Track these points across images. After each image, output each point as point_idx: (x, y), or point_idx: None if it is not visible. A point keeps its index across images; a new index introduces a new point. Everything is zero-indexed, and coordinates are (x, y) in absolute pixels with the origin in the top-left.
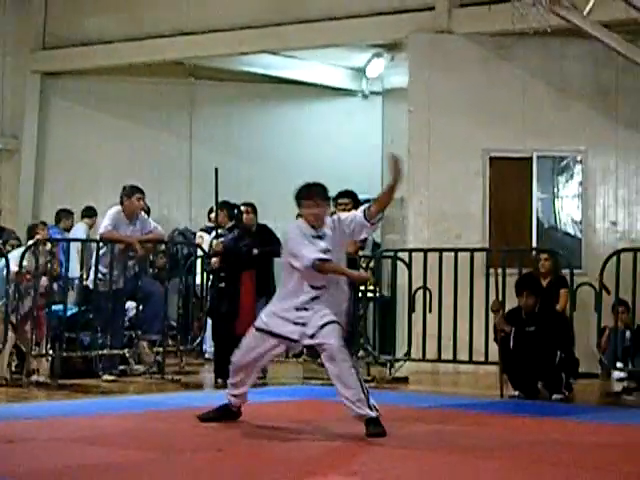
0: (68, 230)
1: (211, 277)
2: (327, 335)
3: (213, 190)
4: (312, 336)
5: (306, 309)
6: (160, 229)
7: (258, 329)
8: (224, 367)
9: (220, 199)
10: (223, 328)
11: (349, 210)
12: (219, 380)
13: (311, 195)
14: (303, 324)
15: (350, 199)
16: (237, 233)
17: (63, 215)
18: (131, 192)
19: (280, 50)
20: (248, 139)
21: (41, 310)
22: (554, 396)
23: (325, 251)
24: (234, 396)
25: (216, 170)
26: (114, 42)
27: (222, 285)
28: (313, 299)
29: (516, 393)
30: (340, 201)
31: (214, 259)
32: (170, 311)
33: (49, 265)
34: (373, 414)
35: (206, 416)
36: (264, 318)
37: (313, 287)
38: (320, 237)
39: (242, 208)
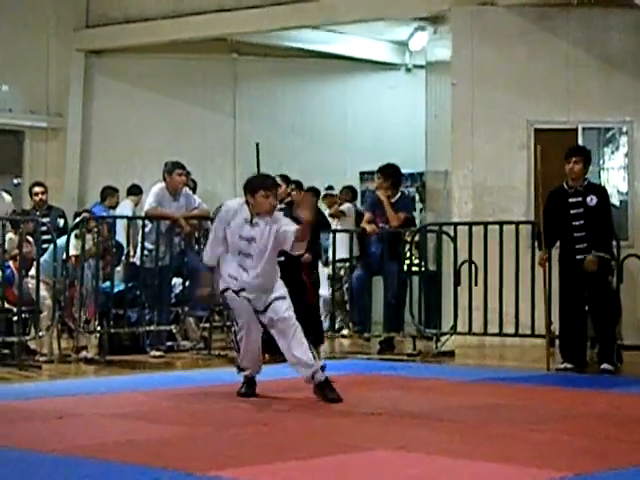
0: (114, 207)
1: None
2: (277, 309)
3: (255, 165)
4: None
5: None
6: (205, 205)
7: None
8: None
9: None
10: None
11: (386, 188)
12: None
13: (271, 185)
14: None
15: (389, 179)
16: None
17: (108, 193)
18: (172, 168)
19: (322, 25)
20: (291, 114)
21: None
22: (603, 365)
23: (250, 239)
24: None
25: (257, 145)
26: (156, 19)
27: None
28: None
29: (563, 366)
30: (378, 177)
31: None
32: (216, 287)
33: (102, 244)
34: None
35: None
36: None
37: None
38: (252, 224)
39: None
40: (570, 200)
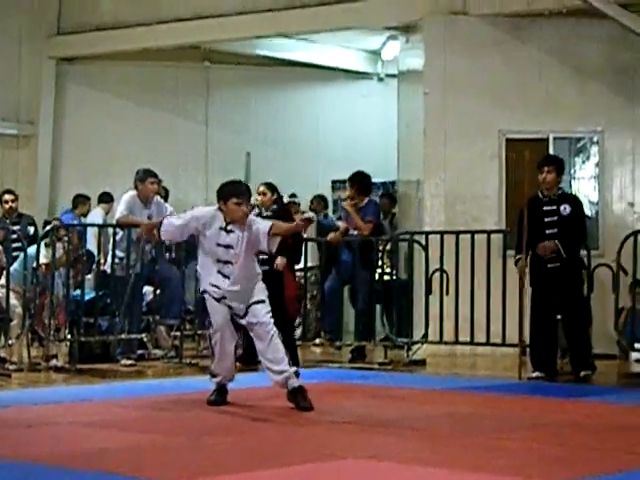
0: (84, 216)
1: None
2: (257, 313)
3: (244, 174)
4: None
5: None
6: (176, 213)
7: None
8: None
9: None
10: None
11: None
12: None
13: (242, 193)
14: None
15: (355, 185)
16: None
17: (79, 201)
18: (144, 176)
19: (295, 33)
20: (263, 123)
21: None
22: (582, 373)
23: (227, 246)
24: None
25: (248, 154)
26: (129, 27)
27: (266, 268)
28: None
29: (534, 375)
30: (348, 185)
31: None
32: (187, 295)
33: (72, 253)
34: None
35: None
36: None
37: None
38: (228, 231)
39: (260, 189)
40: (544, 208)
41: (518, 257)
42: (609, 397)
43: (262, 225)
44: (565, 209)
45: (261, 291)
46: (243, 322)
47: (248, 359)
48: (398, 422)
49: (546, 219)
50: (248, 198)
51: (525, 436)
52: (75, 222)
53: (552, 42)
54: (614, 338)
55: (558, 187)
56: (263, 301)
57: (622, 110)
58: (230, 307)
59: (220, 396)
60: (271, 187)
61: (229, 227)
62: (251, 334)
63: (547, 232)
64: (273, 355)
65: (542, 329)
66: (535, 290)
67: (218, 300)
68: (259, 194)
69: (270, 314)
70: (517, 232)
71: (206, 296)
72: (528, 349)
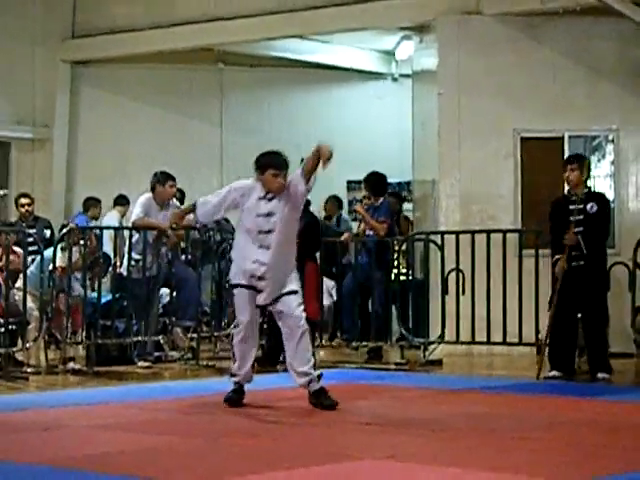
0: (96, 218)
1: None
2: (289, 304)
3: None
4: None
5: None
6: (191, 215)
7: None
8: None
9: None
10: None
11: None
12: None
13: (280, 164)
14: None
15: (369, 185)
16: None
17: (91, 203)
18: (165, 179)
19: (308, 34)
20: (278, 124)
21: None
22: (600, 375)
23: (267, 214)
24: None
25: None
26: (142, 29)
27: None
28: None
29: (552, 374)
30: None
31: None
32: (204, 297)
33: (89, 255)
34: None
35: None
36: None
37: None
38: (268, 199)
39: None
40: (571, 207)
41: (557, 257)
42: (626, 396)
43: (294, 173)
44: (592, 208)
45: (295, 281)
46: (273, 309)
47: (268, 361)
48: (415, 422)
49: (572, 218)
50: (286, 170)
51: (541, 436)
52: (88, 225)
53: (566, 41)
54: (631, 337)
55: (585, 185)
56: (296, 292)
57: (637, 108)
58: (260, 291)
59: (236, 394)
60: None
61: (269, 195)
62: (280, 324)
63: (573, 231)
64: (300, 354)
65: (563, 328)
66: (558, 288)
67: (248, 289)
68: None
69: (302, 307)
70: (551, 232)
71: (236, 291)
72: (545, 348)
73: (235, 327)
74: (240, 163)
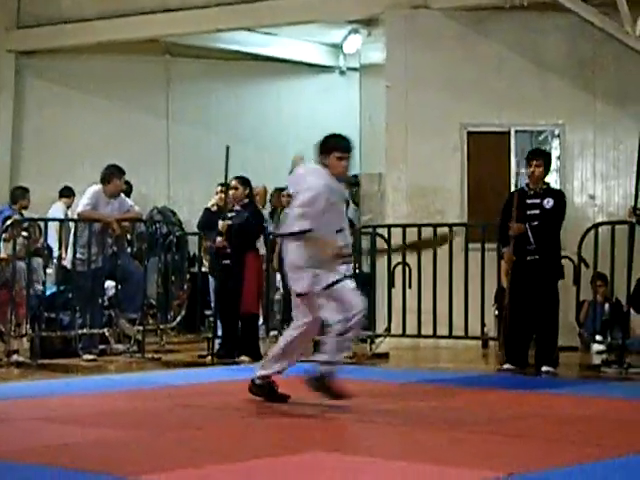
0: (25, 208)
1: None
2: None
3: (224, 168)
4: None
5: None
6: (137, 208)
7: None
8: (230, 345)
9: (198, 177)
10: (226, 306)
11: None
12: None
13: (347, 147)
14: None
15: None
16: (249, 212)
17: (19, 194)
18: (117, 173)
19: (256, 27)
20: (225, 116)
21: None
22: (544, 368)
23: (342, 194)
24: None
25: (227, 148)
26: (89, 20)
27: (227, 262)
28: None
29: (506, 367)
30: None
31: (219, 238)
32: (150, 290)
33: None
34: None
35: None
36: None
37: None
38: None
39: (232, 183)
40: (528, 201)
41: (504, 250)
42: (570, 389)
43: None
44: (548, 203)
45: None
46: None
47: (225, 353)
48: (362, 415)
49: (529, 212)
50: (350, 156)
51: (487, 428)
52: (16, 217)
53: (513, 36)
54: (576, 330)
55: (544, 181)
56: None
57: (583, 103)
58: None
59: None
60: (243, 181)
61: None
62: (330, 303)
63: (528, 225)
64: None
65: (519, 321)
66: (513, 282)
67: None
68: (231, 188)
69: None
70: (500, 224)
71: (307, 297)
72: (491, 341)
73: (295, 326)
74: (187, 155)
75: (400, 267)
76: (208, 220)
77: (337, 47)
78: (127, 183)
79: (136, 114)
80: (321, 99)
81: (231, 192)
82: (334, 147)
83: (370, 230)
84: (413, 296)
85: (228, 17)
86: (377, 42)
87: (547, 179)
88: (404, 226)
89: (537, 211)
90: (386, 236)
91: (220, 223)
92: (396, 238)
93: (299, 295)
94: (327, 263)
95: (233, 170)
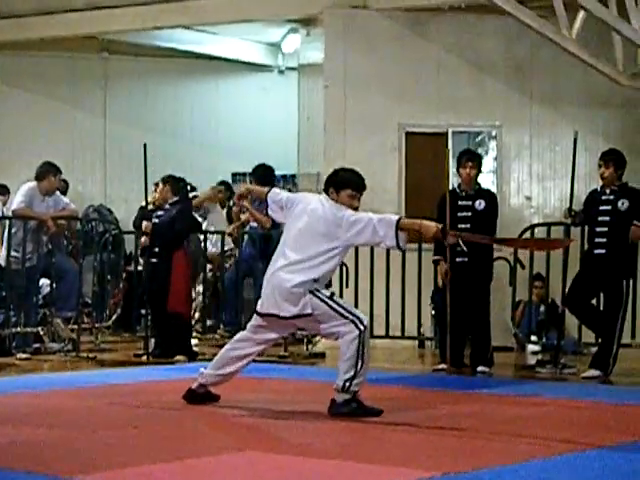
0: None
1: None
2: None
3: (143, 167)
4: None
5: None
6: (73, 205)
7: None
8: (165, 344)
9: (134, 175)
10: (155, 305)
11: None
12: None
13: (361, 186)
14: None
15: (259, 179)
16: (176, 211)
17: None
18: (55, 171)
19: (195, 25)
20: (163, 115)
21: None
22: (479, 368)
23: None
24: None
25: (145, 146)
26: (25, 16)
27: (154, 260)
28: None
29: (440, 367)
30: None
31: (143, 238)
32: (85, 288)
33: None
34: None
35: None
36: None
37: None
38: None
39: (162, 182)
40: (460, 203)
41: (435, 258)
42: (505, 389)
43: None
44: (480, 204)
45: None
46: None
47: (162, 353)
48: (297, 415)
49: (460, 214)
50: (362, 193)
51: (422, 428)
52: None
53: (451, 37)
54: (511, 331)
55: (476, 182)
56: None
57: (520, 105)
58: None
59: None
60: (173, 180)
61: None
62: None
63: (460, 227)
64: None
65: (452, 322)
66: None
67: None
68: (160, 187)
69: None
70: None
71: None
72: (427, 341)
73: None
74: (123, 153)
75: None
76: (143, 218)
77: (276, 46)
78: (64, 181)
79: (73, 112)
80: (260, 98)
81: (159, 190)
82: (347, 184)
83: None
84: (350, 296)
85: (166, 15)
86: (316, 42)
87: (485, 180)
88: None
89: (469, 213)
90: None
91: (144, 224)
92: None
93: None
94: None
95: (169, 169)
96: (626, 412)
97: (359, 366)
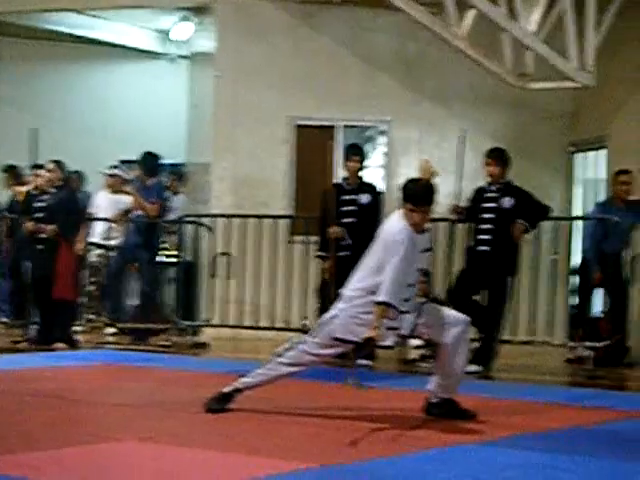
0: None
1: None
2: None
3: (31, 151)
4: None
5: None
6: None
7: None
8: (46, 331)
9: (22, 161)
10: (40, 291)
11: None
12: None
13: (420, 200)
14: None
15: (142, 166)
16: (63, 195)
17: None
18: None
19: (86, 9)
20: (52, 99)
21: None
22: (358, 361)
23: (426, 250)
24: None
25: (35, 131)
26: None
27: (40, 247)
28: None
29: None
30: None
31: (30, 223)
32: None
33: None
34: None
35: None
36: None
37: None
38: (423, 231)
39: (51, 166)
40: (344, 197)
41: (319, 254)
42: (387, 382)
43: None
44: (364, 198)
45: None
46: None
47: (42, 339)
48: (177, 405)
49: (344, 208)
50: (427, 207)
51: (301, 420)
52: None
53: (343, 31)
54: None
55: (358, 176)
56: None
57: (410, 101)
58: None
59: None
60: (60, 164)
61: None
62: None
63: (344, 221)
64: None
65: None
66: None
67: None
68: (46, 171)
69: None
70: (320, 225)
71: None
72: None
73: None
74: (14, 139)
75: (223, 257)
76: (28, 203)
77: (167, 34)
78: None
79: None
80: (150, 86)
81: (47, 174)
82: (407, 197)
83: (193, 219)
84: (236, 286)
85: None
86: (207, 31)
87: (374, 175)
88: (229, 216)
89: (354, 207)
90: (212, 226)
91: None
92: (222, 228)
93: None
94: None
95: (58, 154)
96: (504, 407)
97: None
